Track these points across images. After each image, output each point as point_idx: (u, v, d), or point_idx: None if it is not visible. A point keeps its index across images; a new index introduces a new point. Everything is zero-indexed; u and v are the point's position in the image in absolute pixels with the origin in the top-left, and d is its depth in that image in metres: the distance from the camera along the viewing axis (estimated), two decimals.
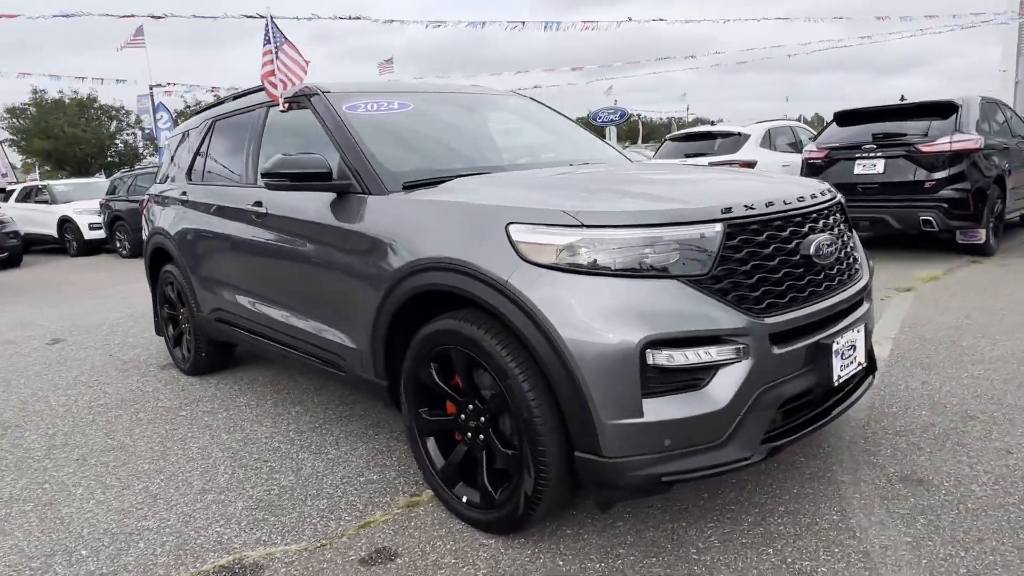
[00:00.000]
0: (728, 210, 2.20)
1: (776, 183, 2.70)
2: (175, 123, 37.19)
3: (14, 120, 35.58)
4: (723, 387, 2.09)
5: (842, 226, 2.66)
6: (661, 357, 2.04)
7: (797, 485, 2.66)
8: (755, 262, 2.21)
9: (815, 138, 8.31)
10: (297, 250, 3.20)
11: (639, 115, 51.05)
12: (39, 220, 15.15)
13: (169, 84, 28.63)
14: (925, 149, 6.99)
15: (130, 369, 4.98)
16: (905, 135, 7.20)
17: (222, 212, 3.87)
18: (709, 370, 2.10)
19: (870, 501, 2.51)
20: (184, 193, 4.38)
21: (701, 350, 2.08)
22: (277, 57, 3.50)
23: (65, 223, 14.59)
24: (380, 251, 2.67)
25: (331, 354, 3.09)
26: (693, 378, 2.09)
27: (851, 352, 2.44)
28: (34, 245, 15.52)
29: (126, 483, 3.08)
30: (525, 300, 2.12)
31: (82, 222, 14.18)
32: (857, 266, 2.70)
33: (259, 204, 3.46)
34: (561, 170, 3.11)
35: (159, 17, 14.71)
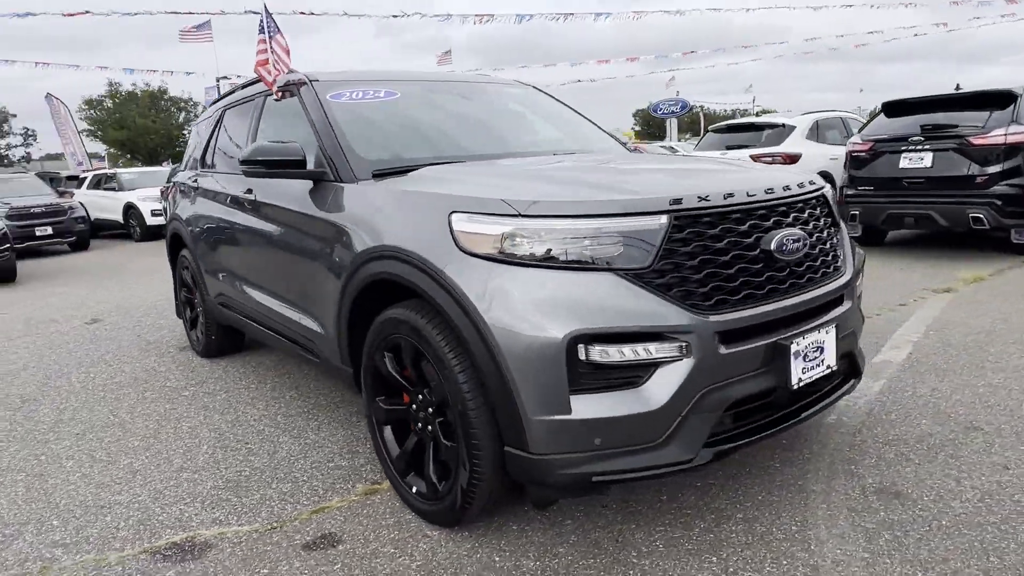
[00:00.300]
0: (677, 201, 2.10)
1: (752, 173, 2.57)
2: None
3: (91, 112, 37.55)
4: (662, 386, 2.00)
5: (821, 220, 2.51)
6: (595, 353, 1.97)
7: (764, 491, 2.54)
8: (705, 256, 2.10)
9: (861, 129, 7.91)
10: (280, 237, 3.24)
11: (701, 107, 49.72)
12: (107, 206, 15.95)
13: (235, 76, 29.68)
14: (977, 142, 6.55)
15: (151, 349, 5.18)
16: (956, 127, 6.76)
17: (222, 199, 3.97)
18: (648, 368, 2.02)
19: (836, 513, 2.37)
20: (195, 180, 4.51)
21: (639, 347, 2.00)
22: (271, 47, 3.55)
23: (130, 209, 15.30)
24: (344, 238, 2.68)
25: (308, 340, 3.13)
26: (630, 375, 2.02)
27: (817, 355, 2.30)
28: (103, 230, 16.34)
29: (113, 458, 3.20)
30: (458, 290, 2.09)
31: (145, 208, 14.83)
32: (838, 263, 2.54)
33: (250, 191, 3.53)
34: (541, 159, 3.05)
35: (216, 14, 15.26)
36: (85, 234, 14.00)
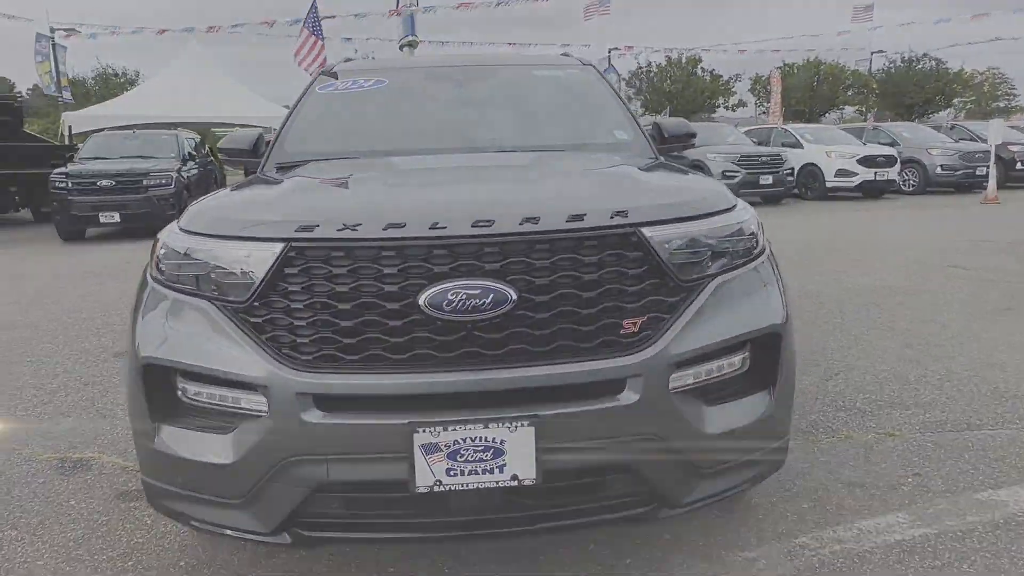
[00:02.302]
0: (307, 228, 1.74)
1: (529, 193, 2.00)
2: (626, 84, 39.38)
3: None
4: (238, 442, 1.76)
5: (597, 274, 1.74)
6: (189, 388, 1.83)
7: None
8: (320, 300, 1.71)
9: None
10: None
11: None
12: None
13: (624, 48, 31.39)
14: None
15: None
16: None
17: None
18: (236, 418, 1.78)
19: None
20: None
21: (227, 392, 1.78)
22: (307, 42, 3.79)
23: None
24: None
25: None
26: (224, 422, 1.81)
27: (485, 457, 1.65)
28: None
29: None
30: None
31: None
32: (618, 336, 1.73)
33: None
34: (448, 158, 2.71)
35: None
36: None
